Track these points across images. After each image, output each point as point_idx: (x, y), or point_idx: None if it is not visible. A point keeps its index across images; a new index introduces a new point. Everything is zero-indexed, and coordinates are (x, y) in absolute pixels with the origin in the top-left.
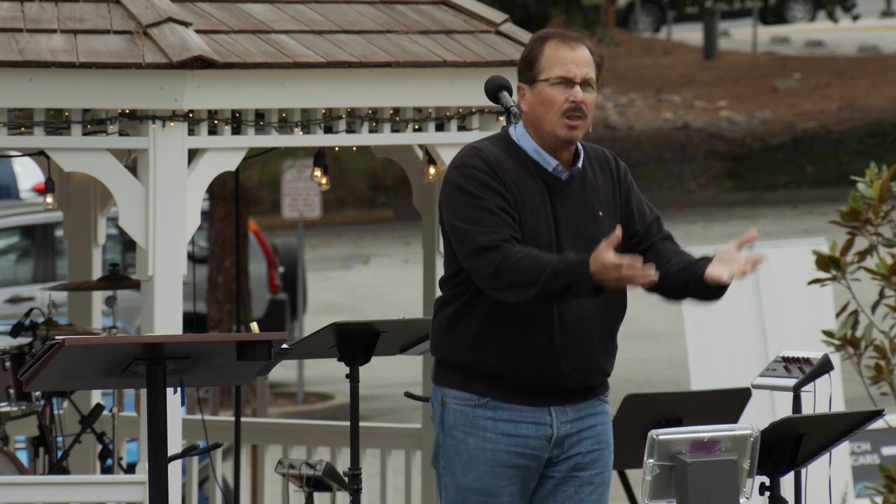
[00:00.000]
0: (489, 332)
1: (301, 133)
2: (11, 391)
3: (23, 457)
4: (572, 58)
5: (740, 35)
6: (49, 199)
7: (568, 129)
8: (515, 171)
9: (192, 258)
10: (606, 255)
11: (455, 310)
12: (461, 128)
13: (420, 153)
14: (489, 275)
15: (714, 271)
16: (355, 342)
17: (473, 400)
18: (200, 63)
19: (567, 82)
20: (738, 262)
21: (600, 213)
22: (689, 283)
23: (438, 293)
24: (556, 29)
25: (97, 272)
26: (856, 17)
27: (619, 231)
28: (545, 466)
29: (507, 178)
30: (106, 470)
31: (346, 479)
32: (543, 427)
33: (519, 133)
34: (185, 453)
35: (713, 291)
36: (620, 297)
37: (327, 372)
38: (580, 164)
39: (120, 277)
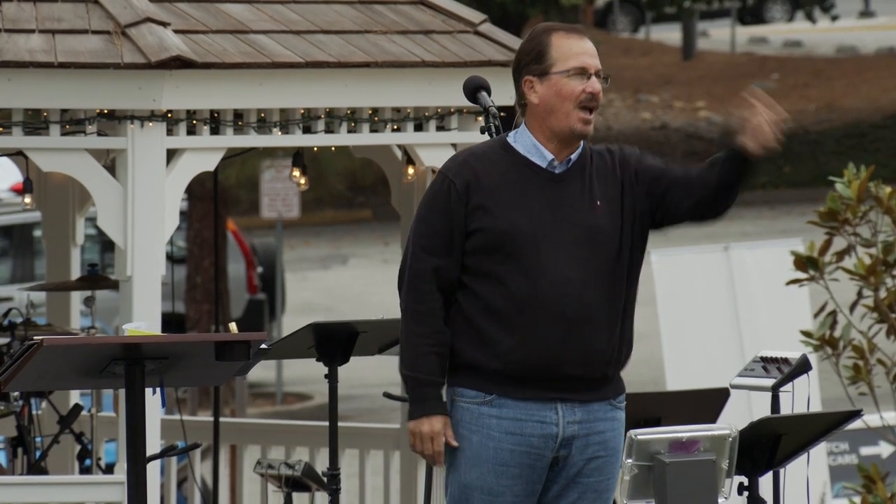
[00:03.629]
0: (484, 330)
1: (279, 133)
2: None
3: (1, 457)
4: (585, 49)
5: (719, 35)
6: (27, 200)
7: (583, 124)
8: (501, 172)
9: (171, 258)
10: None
11: (450, 315)
12: (440, 128)
13: (399, 153)
14: (402, 303)
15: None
16: (334, 342)
17: (479, 398)
18: (179, 63)
19: (583, 73)
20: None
21: (598, 203)
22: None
23: None
24: (555, 22)
25: (75, 272)
26: (834, 18)
27: None
28: (551, 468)
29: (485, 184)
30: (84, 470)
31: (325, 479)
32: (549, 426)
33: (519, 131)
34: (164, 453)
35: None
36: (626, 281)
37: (306, 372)
38: (574, 157)
39: (98, 278)
